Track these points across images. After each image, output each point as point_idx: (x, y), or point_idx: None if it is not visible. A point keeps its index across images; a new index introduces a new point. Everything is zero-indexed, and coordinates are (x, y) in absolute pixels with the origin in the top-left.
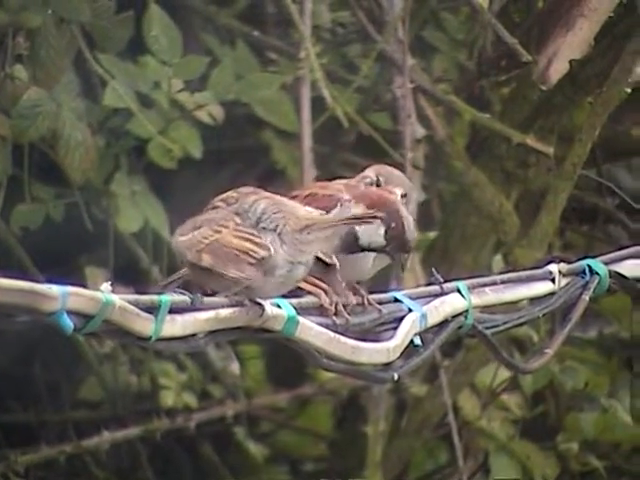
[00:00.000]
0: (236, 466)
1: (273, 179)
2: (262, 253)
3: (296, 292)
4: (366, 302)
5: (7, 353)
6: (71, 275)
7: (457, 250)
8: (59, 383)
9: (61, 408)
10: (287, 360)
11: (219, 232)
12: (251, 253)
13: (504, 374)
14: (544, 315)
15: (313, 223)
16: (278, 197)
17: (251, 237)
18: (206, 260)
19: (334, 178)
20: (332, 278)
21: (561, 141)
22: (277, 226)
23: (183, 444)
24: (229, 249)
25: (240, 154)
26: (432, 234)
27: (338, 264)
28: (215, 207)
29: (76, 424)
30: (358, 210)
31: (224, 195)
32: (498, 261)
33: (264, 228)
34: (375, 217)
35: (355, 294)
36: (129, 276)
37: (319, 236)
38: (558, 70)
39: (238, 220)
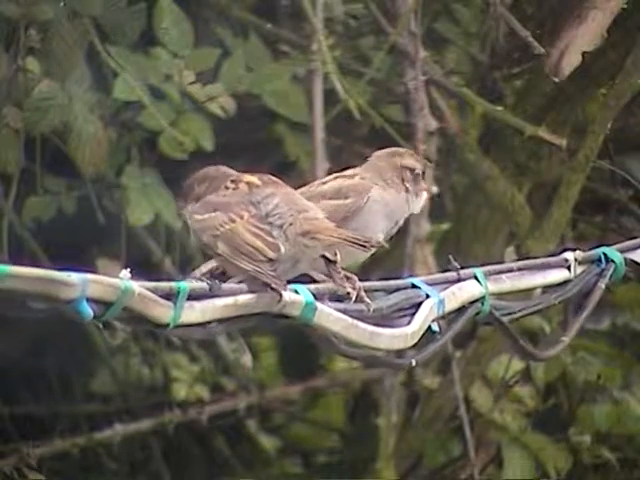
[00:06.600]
0: (248, 458)
1: (285, 171)
2: (271, 255)
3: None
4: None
5: (19, 345)
6: (83, 267)
7: (469, 242)
8: (71, 376)
9: (73, 401)
10: (300, 352)
11: (234, 221)
12: (262, 251)
13: (516, 366)
14: (560, 303)
15: (315, 232)
16: (294, 194)
17: (263, 234)
18: (222, 248)
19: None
20: (332, 271)
21: (574, 133)
22: (283, 224)
23: (195, 437)
24: (242, 242)
25: (252, 146)
26: (445, 226)
27: (340, 258)
28: (235, 186)
29: (88, 417)
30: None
31: (249, 179)
32: (510, 253)
33: (271, 223)
34: (370, 244)
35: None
36: (141, 268)
37: (318, 245)
38: (571, 62)
39: (252, 210)
